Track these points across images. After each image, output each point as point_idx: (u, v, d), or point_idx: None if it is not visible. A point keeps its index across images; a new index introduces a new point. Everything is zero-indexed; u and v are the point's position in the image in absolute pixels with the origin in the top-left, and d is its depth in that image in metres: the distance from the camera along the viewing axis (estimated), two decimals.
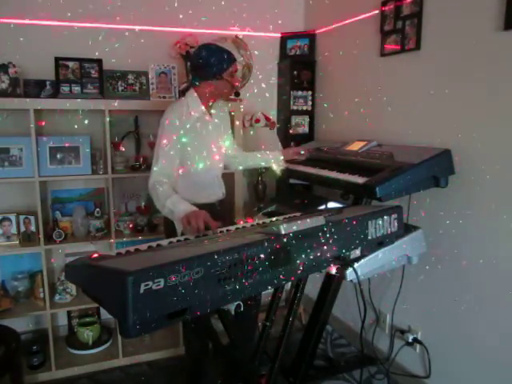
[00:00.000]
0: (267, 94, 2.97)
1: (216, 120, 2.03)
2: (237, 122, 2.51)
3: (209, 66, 1.88)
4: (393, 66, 2.21)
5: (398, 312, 2.22)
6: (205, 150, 1.96)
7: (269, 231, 1.28)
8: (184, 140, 1.87)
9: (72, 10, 2.41)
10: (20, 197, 2.41)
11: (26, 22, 2.34)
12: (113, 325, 2.72)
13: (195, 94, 1.94)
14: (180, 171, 1.92)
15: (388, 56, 2.23)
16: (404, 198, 1.92)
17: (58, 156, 2.28)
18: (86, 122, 2.47)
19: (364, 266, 1.55)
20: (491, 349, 1.77)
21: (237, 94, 1.99)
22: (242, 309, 1.22)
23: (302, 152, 2.32)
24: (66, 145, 2.29)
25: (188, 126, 1.88)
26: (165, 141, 1.83)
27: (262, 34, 2.85)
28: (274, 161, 2.29)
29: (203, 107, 1.94)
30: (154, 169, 1.81)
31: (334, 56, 2.72)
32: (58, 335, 2.62)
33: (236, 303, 1.18)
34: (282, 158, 2.29)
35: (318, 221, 1.33)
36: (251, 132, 2.76)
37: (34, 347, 2.34)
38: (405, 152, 1.90)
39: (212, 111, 2.01)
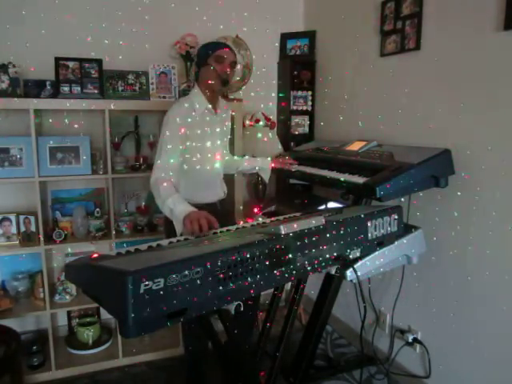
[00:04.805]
0: (267, 94, 2.97)
1: (220, 119, 2.03)
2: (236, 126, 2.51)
3: (198, 55, 1.96)
4: (393, 66, 2.21)
5: (398, 312, 2.22)
6: (208, 148, 1.96)
7: (269, 231, 1.28)
8: (187, 136, 1.87)
9: (72, 10, 2.41)
10: (20, 197, 2.41)
11: (26, 21, 2.35)
12: (113, 325, 2.72)
13: (197, 88, 1.96)
14: (182, 169, 1.92)
15: (388, 56, 2.23)
16: (404, 198, 1.92)
17: (58, 156, 2.28)
18: (86, 122, 2.47)
19: (364, 266, 1.55)
20: (491, 349, 1.77)
21: (225, 83, 1.92)
22: (242, 309, 1.22)
23: (291, 163, 2.30)
24: (66, 145, 2.29)
25: (192, 121, 1.88)
26: (169, 136, 1.83)
27: (262, 34, 2.85)
28: (262, 168, 2.30)
29: (206, 101, 1.94)
30: (157, 164, 1.80)
31: (334, 56, 2.72)
32: (58, 335, 2.61)
33: (236, 303, 1.18)
34: (270, 165, 2.30)
35: (318, 221, 1.33)
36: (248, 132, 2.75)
37: (34, 347, 2.33)
38: (405, 152, 1.90)
39: (216, 108, 2.01)
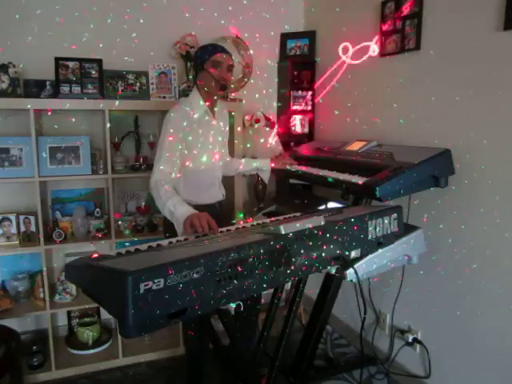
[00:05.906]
0: (267, 94, 2.97)
1: (219, 121, 2.04)
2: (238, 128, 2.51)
3: (195, 60, 1.95)
4: (393, 65, 2.21)
5: (398, 312, 2.22)
6: (207, 150, 1.97)
7: (269, 231, 1.28)
8: (187, 138, 1.88)
9: (72, 10, 2.41)
10: (20, 197, 2.41)
11: (26, 21, 2.34)
12: (113, 325, 2.72)
13: (196, 91, 1.96)
14: (182, 171, 1.92)
15: (388, 56, 2.23)
16: (404, 198, 1.92)
17: (58, 156, 2.28)
18: (86, 122, 2.47)
19: (364, 266, 1.55)
20: (491, 349, 1.77)
21: (223, 88, 1.91)
22: (242, 309, 1.22)
23: (291, 163, 2.31)
24: (66, 145, 2.29)
25: (191, 123, 1.89)
26: (169, 138, 1.84)
27: (262, 33, 2.85)
28: (261, 169, 2.31)
29: (205, 105, 1.94)
30: (157, 166, 1.81)
31: (334, 56, 2.72)
32: (58, 335, 2.61)
33: (236, 303, 1.18)
34: (269, 165, 2.30)
35: (318, 221, 1.33)
36: (250, 132, 2.75)
37: (34, 347, 2.33)
38: (405, 152, 1.90)
39: (215, 110, 2.02)
